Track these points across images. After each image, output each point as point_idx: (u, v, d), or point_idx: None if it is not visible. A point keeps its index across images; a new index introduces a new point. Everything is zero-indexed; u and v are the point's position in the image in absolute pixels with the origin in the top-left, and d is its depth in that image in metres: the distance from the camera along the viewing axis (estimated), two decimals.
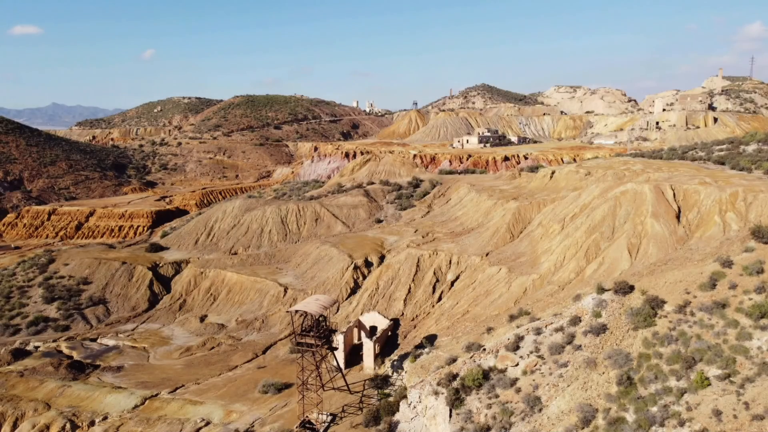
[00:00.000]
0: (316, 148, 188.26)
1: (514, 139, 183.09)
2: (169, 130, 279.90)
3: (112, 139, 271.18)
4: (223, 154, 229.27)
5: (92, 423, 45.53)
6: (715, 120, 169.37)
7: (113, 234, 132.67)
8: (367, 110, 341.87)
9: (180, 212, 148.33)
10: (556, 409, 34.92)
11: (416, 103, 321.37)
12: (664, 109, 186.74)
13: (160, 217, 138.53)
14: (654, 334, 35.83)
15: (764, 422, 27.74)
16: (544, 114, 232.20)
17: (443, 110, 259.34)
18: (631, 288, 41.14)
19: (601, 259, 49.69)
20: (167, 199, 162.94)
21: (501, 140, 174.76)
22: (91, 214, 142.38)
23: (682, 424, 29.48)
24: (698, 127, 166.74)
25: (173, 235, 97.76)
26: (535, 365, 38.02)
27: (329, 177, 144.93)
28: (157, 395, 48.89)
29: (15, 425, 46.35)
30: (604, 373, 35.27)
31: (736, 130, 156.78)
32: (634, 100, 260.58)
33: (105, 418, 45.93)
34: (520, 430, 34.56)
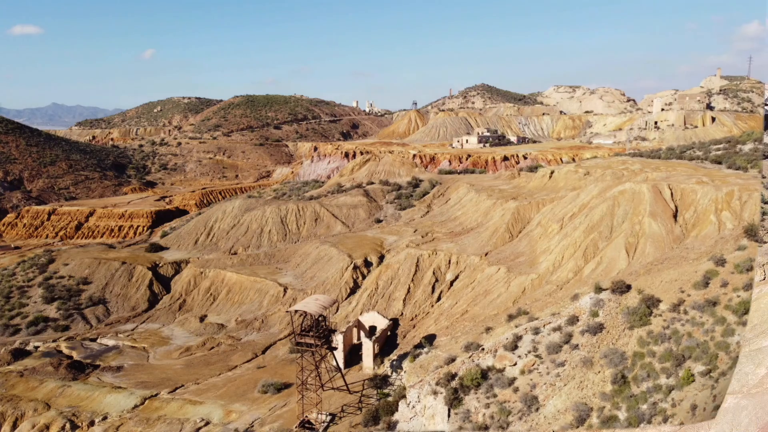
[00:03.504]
0: (315, 148, 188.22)
1: (513, 139, 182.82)
2: (169, 130, 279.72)
3: (112, 139, 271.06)
4: (223, 154, 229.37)
5: (92, 423, 45.68)
6: (713, 119, 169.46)
7: (113, 234, 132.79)
8: (367, 110, 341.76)
9: (180, 212, 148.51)
10: (552, 408, 35.15)
11: (416, 103, 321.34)
12: (663, 109, 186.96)
13: (160, 217, 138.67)
14: (649, 332, 36.28)
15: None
16: (544, 114, 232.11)
17: (443, 110, 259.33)
18: (628, 287, 41.62)
19: (599, 258, 49.85)
20: (167, 199, 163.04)
21: (500, 140, 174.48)
22: (91, 214, 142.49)
23: (666, 420, 30.01)
24: (696, 127, 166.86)
25: (173, 235, 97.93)
26: (533, 365, 38.25)
27: (329, 177, 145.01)
28: (156, 395, 49.06)
29: (15, 425, 46.54)
30: (599, 372, 35.59)
31: (734, 129, 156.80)
32: (633, 100, 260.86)
33: (105, 418, 46.10)
34: (518, 430, 34.81)
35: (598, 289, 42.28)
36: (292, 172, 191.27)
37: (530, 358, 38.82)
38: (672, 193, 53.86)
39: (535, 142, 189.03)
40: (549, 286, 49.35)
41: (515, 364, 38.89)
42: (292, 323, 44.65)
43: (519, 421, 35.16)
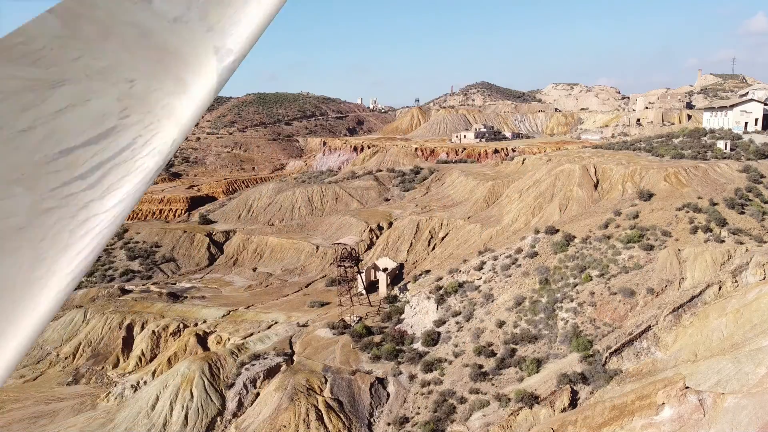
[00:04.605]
0: (324, 143, 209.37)
1: (508, 134, 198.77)
2: None
3: None
4: (239, 148, 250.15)
5: (196, 324, 67.16)
6: (689, 117, 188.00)
7: (155, 216, 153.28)
8: (371, 107, 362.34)
9: (209, 198, 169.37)
10: (501, 299, 56.67)
11: (418, 100, 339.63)
12: (646, 107, 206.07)
13: (194, 202, 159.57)
14: (566, 255, 57.95)
15: (616, 296, 49.68)
16: (539, 111, 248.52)
17: (444, 107, 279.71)
18: (557, 230, 63.10)
19: (542, 214, 71.86)
20: (195, 188, 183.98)
21: (496, 136, 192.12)
22: None
23: (572, 300, 51.42)
24: (673, 124, 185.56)
25: (218, 212, 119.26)
26: (491, 278, 59.84)
27: (340, 168, 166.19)
28: (236, 310, 70.54)
29: (143, 326, 68.03)
30: (532, 278, 57.06)
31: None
32: (627, 98, 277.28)
33: (204, 321, 67.59)
34: (479, 312, 56.34)
35: (537, 232, 63.83)
36: (305, 164, 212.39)
37: (490, 273, 60.44)
38: (596, 171, 74.96)
39: (528, 137, 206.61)
40: (507, 233, 70.60)
41: (481, 278, 60.47)
42: (336, 254, 66.15)
43: (481, 308, 56.80)
